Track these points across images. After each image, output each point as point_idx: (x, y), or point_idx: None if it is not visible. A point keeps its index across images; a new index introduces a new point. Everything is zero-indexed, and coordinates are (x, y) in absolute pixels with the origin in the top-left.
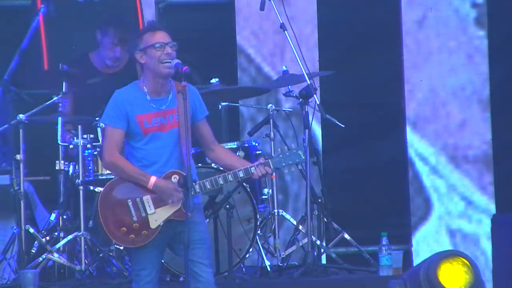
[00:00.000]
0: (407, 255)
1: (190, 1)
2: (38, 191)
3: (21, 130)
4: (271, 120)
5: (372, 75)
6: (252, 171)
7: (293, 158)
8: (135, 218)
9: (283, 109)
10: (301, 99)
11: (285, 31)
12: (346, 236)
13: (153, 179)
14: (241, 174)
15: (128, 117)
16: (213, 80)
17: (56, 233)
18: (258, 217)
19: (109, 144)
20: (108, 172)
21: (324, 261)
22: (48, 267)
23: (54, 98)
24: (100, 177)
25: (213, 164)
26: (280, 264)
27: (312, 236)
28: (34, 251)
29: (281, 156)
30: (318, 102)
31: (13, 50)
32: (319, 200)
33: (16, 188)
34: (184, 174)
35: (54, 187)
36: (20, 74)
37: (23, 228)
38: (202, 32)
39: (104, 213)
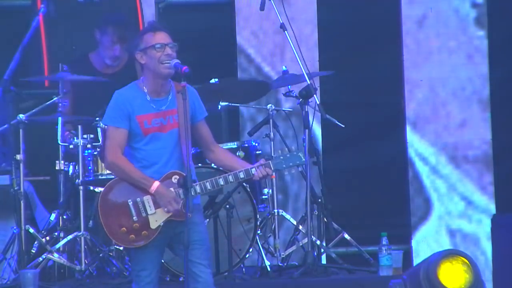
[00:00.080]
0: (407, 255)
1: (190, 1)
2: (38, 191)
3: (21, 130)
4: (271, 120)
5: (372, 75)
6: (253, 172)
7: (293, 160)
8: (135, 218)
9: (283, 109)
10: (301, 99)
11: (285, 31)
12: (346, 236)
13: (155, 184)
14: (241, 175)
15: (130, 117)
16: (213, 80)
17: (56, 233)
18: (258, 217)
19: (112, 145)
20: (108, 172)
21: (324, 261)
22: (48, 267)
23: (54, 98)
24: (100, 177)
25: (213, 164)
26: (280, 264)
27: (312, 236)
28: (34, 251)
29: (281, 157)
30: (318, 102)
31: (13, 50)
32: (319, 200)
33: (16, 188)
34: (184, 175)
35: (54, 187)
36: (20, 74)
37: (23, 228)
38: (202, 32)
39: (104, 213)
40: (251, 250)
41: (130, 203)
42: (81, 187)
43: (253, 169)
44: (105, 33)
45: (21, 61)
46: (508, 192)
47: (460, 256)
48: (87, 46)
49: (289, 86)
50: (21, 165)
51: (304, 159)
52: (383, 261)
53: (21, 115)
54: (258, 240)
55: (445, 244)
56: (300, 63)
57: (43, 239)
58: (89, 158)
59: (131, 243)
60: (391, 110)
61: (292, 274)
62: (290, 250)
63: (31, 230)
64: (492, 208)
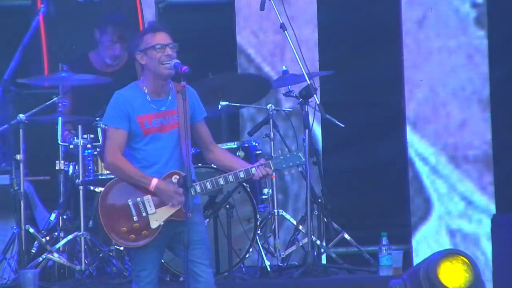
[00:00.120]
0: (407, 255)
1: (190, 1)
2: (38, 191)
3: (21, 130)
4: (271, 120)
5: (372, 75)
6: (253, 172)
7: (293, 160)
8: (135, 218)
9: (283, 109)
10: (301, 99)
11: (285, 31)
12: (346, 236)
13: (154, 181)
14: (242, 175)
15: (130, 117)
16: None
17: (56, 233)
18: (258, 217)
19: (111, 145)
20: (108, 172)
21: (324, 261)
22: (48, 267)
23: (54, 98)
24: (100, 177)
25: (212, 164)
26: (280, 264)
27: (312, 236)
28: (34, 251)
29: (281, 157)
30: (318, 102)
31: (13, 50)
32: (319, 200)
33: (16, 188)
34: (184, 175)
35: (54, 187)
36: (20, 74)
37: (23, 228)
38: (202, 32)
39: (105, 213)
40: (251, 250)
41: (131, 203)
42: (81, 187)
43: (253, 169)
44: (104, 33)
45: (21, 61)
46: (508, 192)
47: (460, 255)
48: (87, 46)
49: (289, 86)
50: (21, 165)
51: (304, 159)
52: (383, 261)
53: (21, 115)
54: (258, 240)
55: (445, 244)
56: (300, 63)
57: (43, 239)
58: (89, 158)
59: (132, 243)
60: (391, 110)
61: (292, 274)
62: (290, 250)
63: (31, 230)
64: (492, 208)
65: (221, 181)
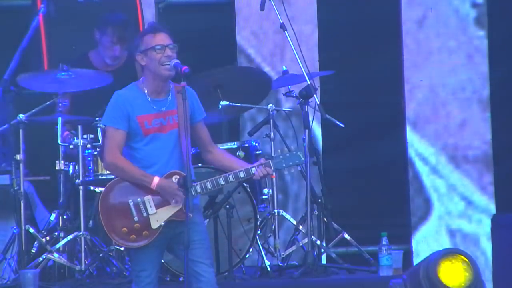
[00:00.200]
0: (407, 255)
1: (190, 1)
2: (38, 191)
3: (21, 130)
4: (271, 120)
5: (372, 75)
6: (253, 172)
7: (293, 159)
8: (136, 219)
9: (283, 109)
10: (301, 99)
11: (285, 31)
12: (346, 236)
13: (156, 179)
14: (242, 175)
15: (129, 117)
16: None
17: (56, 233)
18: (258, 217)
19: (110, 145)
20: (108, 172)
21: (324, 261)
22: (48, 267)
23: (54, 98)
24: (100, 177)
25: (211, 165)
26: (280, 264)
27: (312, 236)
28: (34, 251)
29: (281, 157)
30: (318, 102)
31: (13, 50)
32: (319, 200)
33: (16, 188)
34: (184, 175)
35: (54, 187)
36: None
37: (23, 228)
38: (202, 32)
39: (105, 213)
40: (251, 250)
41: (131, 203)
42: (81, 187)
43: (253, 169)
44: (104, 34)
45: (21, 61)
46: (508, 192)
47: (459, 254)
48: (87, 46)
49: (289, 86)
50: (21, 165)
51: (303, 159)
52: (383, 261)
53: (21, 115)
54: (258, 240)
55: (445, 244)
56: (300, 63)
57: (43, 239)
58: (89, 158)
59: (132, 243)
60: (391, 110)
61: (292, 274)
62: (290, 250)
63: (31, 230)
64: (492, 208)
65: (221, 181)
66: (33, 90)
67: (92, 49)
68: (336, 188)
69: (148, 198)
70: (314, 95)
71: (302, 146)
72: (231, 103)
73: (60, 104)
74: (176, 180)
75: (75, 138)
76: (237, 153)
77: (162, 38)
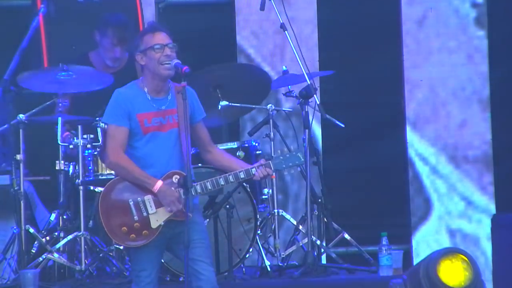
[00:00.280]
0: (407, 255)
1: (190, 1)
2: (38, 191)
3: (21, 130)
4: (271, 120)
5: (372, 75)
6: (254, 172)
7: (292, 160)
8: (136, 218)
9: (283, 109)
10: (301, 99)
11: (285, 31)
12: (346, 236)
13: (159, 183)
14: (242, 175)
15: (130, 115)
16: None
17: (56, 233)
18: (258, 217)
19: (113, 144)
20: (108, 172)
21: (324, 261)
22: (48, 267)
23: (54, 98)
24: (100, 177)
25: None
26: (280, 264)
27: (312, 236)
28: (34, 251)
29: (281, 158)
30: (318, 102)
31: (13, 50)
32: (319, 200)
33: (16, 188)
34: (185, 175)
35: (54, 187)
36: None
37: (23, 228)
38: (202, 32)
39: (105, 212)
40: (251, 250)
41: (131, 203)
42: (81, 187)
43: (254, 169)
44: (105, 36)
45: (21, 61)
46: (508, 192)
47: (459, 253)
48: (87, 46)
49: (289, 86)
50: (21, 165)
51: (303, 159)
52: (383, 261)
53: (21, 115)
54: (258, 240)
55: (445, 244)
56: (300, 63)
57: (43, 239)
58: (89, 158)
59: (132, 243)
60: (391, 110)
61: (292, 274)
62: (290, 250)
63: (31, 230)
64: (492, 208)
65: (222, 181)
66: (33, 90)
67: (92, 50)
68: (336, 188)
69: (148, 198)
70: (314, 95)
71: (302, 146)
72: (230, 104)
73: (60, 104)
74: (176, 180)
75: (75, 138)
76: (237, 153)
77: (161, 38)
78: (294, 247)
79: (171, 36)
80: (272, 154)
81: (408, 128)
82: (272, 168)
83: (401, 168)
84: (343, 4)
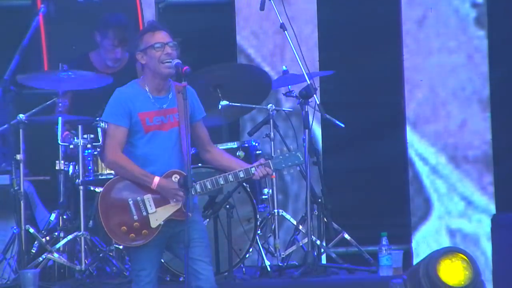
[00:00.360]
0: (407, 255)
1: (190, 1)
2: (38, 191)
3: (21, 130)
4: (271, 120)
5: (372, 75)
6: (253, 172)
7: (292, 159)
8: (135, 217)
9: (283, 109)
10: (301, 99)
11: (285, 31)
12: (346, 236)
13: (156, 179)
14: (241, 175)
15: (131, 114)
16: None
17: (56, 233)
18: (258, 217)
19: (112, 143)
20: (108, 172)
21: (324, 261)
22: (48, 267)
23: (54, 98)
24: (100, 177)
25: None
26: (280, 264)
27: (312, 236)
28: (34, 251)
29: (280, 157)
30: (318, 102)
31: (13, 50)
32: (319, 200)
33: (16, 188)
34: (185, 174)
35: (54, 187)
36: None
37: (23, 228)
38: (202, 32)
39: (104, 212)
40: (251, 250)
41: (131, 202)
42: (81, 187)
43: (253, 169)
44: (105, 37)
45: (21, 61)
46: (508, 192)
47: (459, 253)
48: (87, 46)
49: (289, 86)
50: (21, 165)
51: (303, 159)
52: (383, 261)
53: (21, 115)
54: (258, 240)
55: (445, 244)
56: (300, 63)
57: (43, 239)
58: (89, 158)
59: (131, 242)
60: (391, 110)
61: (292, 274)
62: (290, 250)
63: (31, 230)
64: (492, 208)
65: (221, 181)
66: (33, 89)
67: (93, 50)
68: (336, 188)
69: (148, 197)
70: (314, 95)
71: (302, 146)
72: (231, 103)
73: (60, 104)
74: (176, 179)
75: (75, 138)
76: (237, 153)
77: (161, 36)
78: (294, 247)
79: (171, 35)
80: (272, 154)
81: (408, 128)
82: (272, 168)
83: (401, 168)
84: (343, 4)
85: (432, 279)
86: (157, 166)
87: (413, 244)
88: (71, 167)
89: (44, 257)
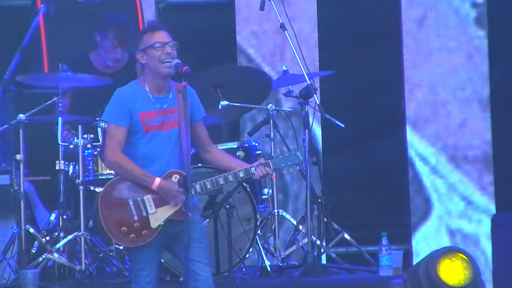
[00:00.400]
0: (407, 255)
1: (190, 1)
2: (38, 191)
3: (21, 130)
4: (271, 120)
5: (372, 75)
6: (253, 172)
7: (292, 159)
8: (135, 218)
9: (283, 109)
10: (301, 99)
11: (285, 31)
12: (346, 236)
13: (157, 180)
14: (241, 174)
15: (131, 114)
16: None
17: (56, 233)
18: (258, 217)
19: (112, 143)
20: (108, 172)
21: (324, 261)
22: (48, 267)
23: (54, 98)
24: (100, 177)
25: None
26: (280, 264)
27: (312, 236)
28: (34, 251)
29: (280, 157)
30: (318, 102)
31: (13, 50)
32: (319, 200)
33: (16, 188)
34: (185, 174)
35: (54, 187)
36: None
37: (23, 228)
38: (202, 32)
39: (104, 212)
40: (251, 250)
41: (131, 203)
42: (81, 187)
43: (253, 168)
44: (106, 38)
45: (21, 61)
46: (508, 192)
47: (459, 252)
48: (87, 46)
49: (289, 86)
50: (21, 165)
51: (302, 158)
52: (383, 261)
53: (21, 115)
54: (258, 240)
55: (445, 244)
56: (300, 63)
57: (43, 239)
58: (89, 158)
59: (131, 243)
60: (391, 110)
61: (292, 274)
62: (290, 250)
63: (31, 230)
64: (492, 208)
65: (221, 181)
66: (33, 89)
67: (93, 50)
68: (336, 188)
69: (148, 198)
70: (314, 95)
71: (302, 146)
72: (231, 103)
73: (60, 104)
74: (176, 179)
75: (75, 138)
76: (237, 153)
77: (161, 36)
78: (294, 247)
79: (171, 35)
80: (272, 154)
81: (408, 128)
82: (272, 167)
83: (401, 168)
84: (343, 4)
85: (432, 279)
86: (157, 166)
87: (413, 244)
88: (71, 167)
89: (44, 257)
